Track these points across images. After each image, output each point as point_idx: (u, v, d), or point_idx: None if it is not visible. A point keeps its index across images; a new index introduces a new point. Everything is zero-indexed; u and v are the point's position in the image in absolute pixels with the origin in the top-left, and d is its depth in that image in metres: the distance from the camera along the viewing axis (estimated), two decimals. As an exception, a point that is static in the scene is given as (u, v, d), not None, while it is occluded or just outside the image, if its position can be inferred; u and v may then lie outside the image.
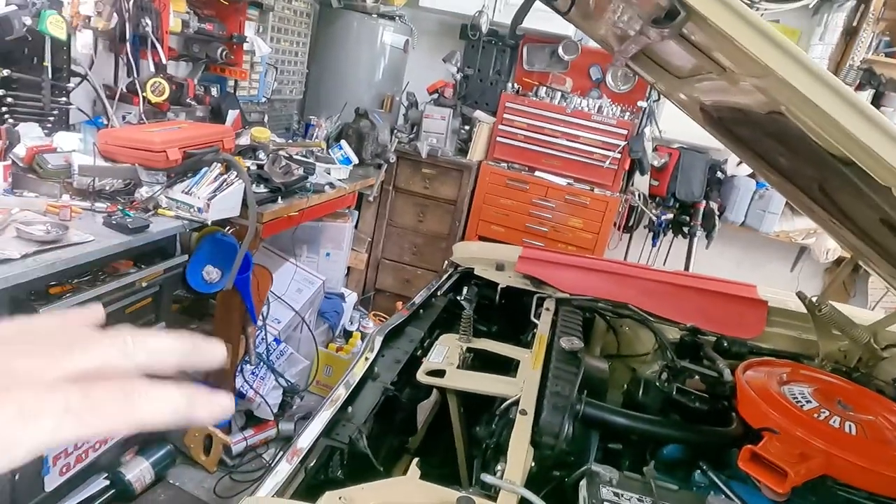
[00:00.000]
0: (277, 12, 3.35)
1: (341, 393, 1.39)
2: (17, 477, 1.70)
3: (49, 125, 2.22)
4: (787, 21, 3.72)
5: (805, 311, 1.89)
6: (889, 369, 1.78)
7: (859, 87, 3.59)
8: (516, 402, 1.32)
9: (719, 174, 3.90)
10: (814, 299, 1.90)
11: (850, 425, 1.27)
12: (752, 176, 3.89)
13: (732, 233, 4.07)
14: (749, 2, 3.31)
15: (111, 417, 0.33)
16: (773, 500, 1.15)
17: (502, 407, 1.36)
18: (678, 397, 1.46)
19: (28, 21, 1.95)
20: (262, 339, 2.80)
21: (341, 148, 3.33)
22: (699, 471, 1.29)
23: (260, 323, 2.73)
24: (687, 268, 3.86)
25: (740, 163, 3.78)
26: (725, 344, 1.89)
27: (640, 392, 1.55)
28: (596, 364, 1.61)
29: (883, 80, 3.61)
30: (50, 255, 1.59)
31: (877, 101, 3.64)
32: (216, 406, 0.37)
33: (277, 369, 2.89)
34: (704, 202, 3.83)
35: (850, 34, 3.53)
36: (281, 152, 2.75)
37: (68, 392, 0.32)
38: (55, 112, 2.24)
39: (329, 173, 3.05)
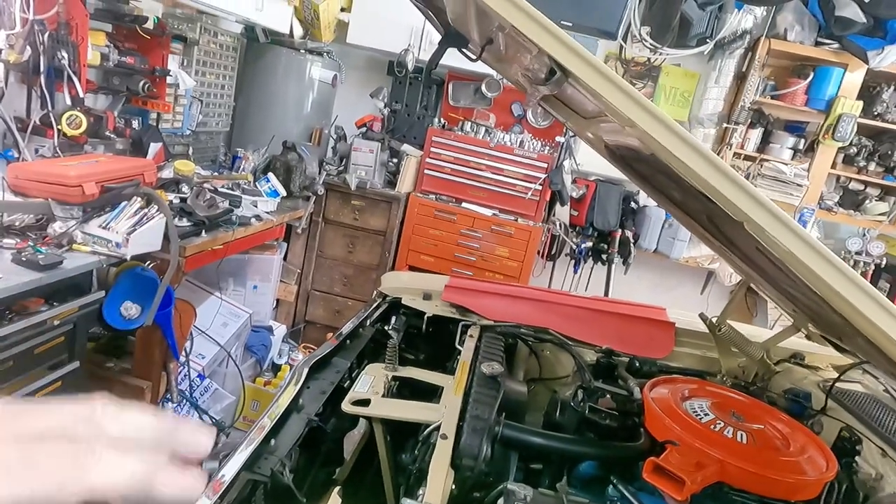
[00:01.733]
0: (202, 46, 3.35)
1: (265, 423, 1.39)
2: None
3: (-47, 158, 2.12)
4: (687, 65, 4.06)
5: (708, 331, 2.06)
6: (782, 382, 1.95)
7: (751, 126, 3.96)
8: (438, 428, 1.37)
9: (633, 204, 4.16)
10: (714, 320, 2.07)
11: (741, 434, 1.39)
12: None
13: (647, 259, 4.33)
14: (653, 47, 3.61)
15: (54, 478, 0.31)
16: (675, 507, 1.24)
17: (425, 433, 1.40)
18: (591, 416, 1.55)
19: (-68, 52, 1.88)
20: (185, 375, 2.72)
21: (269, 180, 3.33)
22: (611, 485, 1.38)
23: (183, 359, 2.66)
24: (606, 293, 4.06)
25: (651, 194, 4.04)
26: (637, 364, 2.01)
27: (558, 412, 1.63)
28: (515, 387, 1.69)
29: (771, 120, 3.99)
30: (-48, 295, 1.52)
31: (766, 139, 4.02)
32: (184, 483, 0.34)
33: (202, 406, 2.81)
34: (620, 231, 4.06)
35: (740, 78, 3.90)
36: (206, 185, 2.73)
37: (5, 448, 0.30)
38: (-40, 144, 2.14)
39: (256, 206, 3.04)
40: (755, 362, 1.97)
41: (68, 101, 2.44)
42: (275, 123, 3.89)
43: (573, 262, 4.17)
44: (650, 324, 2.26)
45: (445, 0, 1.34)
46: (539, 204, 3.77)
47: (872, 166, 4.01)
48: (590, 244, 4.07)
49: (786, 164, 3.94)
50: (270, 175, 3.38)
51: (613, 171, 3.47)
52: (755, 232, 0.88)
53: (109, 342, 2.59)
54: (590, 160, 3.87)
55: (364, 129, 3.97)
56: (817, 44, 3.74)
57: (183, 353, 2.65)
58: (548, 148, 3.77)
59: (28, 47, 2.21)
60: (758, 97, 3.88)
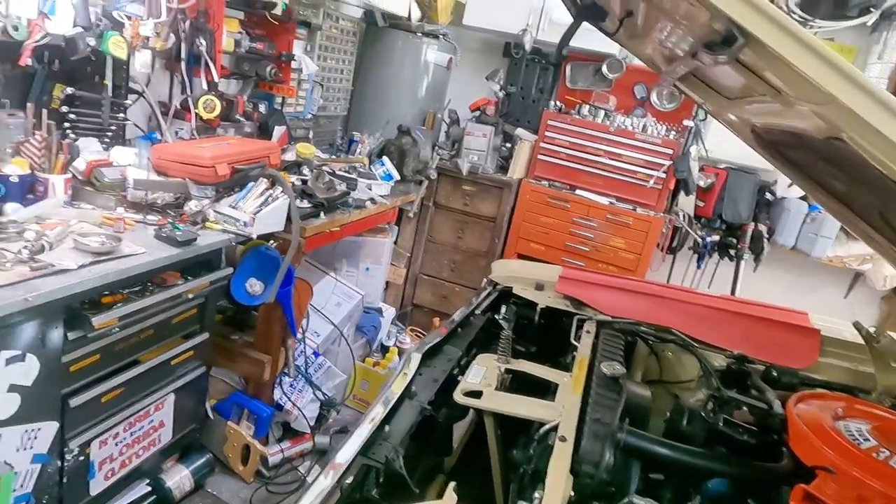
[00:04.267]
0: (325, 31, 3.43)
1: (379, 410, 1.39)
2: (65, 479, 1.76)
3: (107, 140, 2.31)
4: (842, 39, 3.60)
5: (861, 341, 1.81)
6: (957, 407, 1.68)
7: (921, 108, 3.44)
8: (555, 428, 1.30)
9: (768, 196, 3.79)
10: (872, 330, 1.81)
11: (912, 467, 1.20)
12: (803, 198, 3.76)
13: (782, 256, 3.93)
14: (802, 20, 3.23)
15: None
16: (828, 544, 1.09)
17: (541, 432, 1.33)
18: (725, 429, 1.41)
19: (92, 42, 2.05)
20: (301, 351, 2.83)
21: (383, 164, 3.37)
22: (748, 508, 1.24)
23: (299, 336, 2.77)
24: (733, 292, 3.75)
25: (791, 184, 3.66)
26: (775, 373, 1.82)
27: (685, 421, 1.50)
28: (638, 391, 1.57)
29: (947, 101, 3.45)
30: (104, 266, 1.65)
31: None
32: None
33: (315, 382, 2.92)
34: (753, 224, 3.71)
35: (910, 52, 3.40)
36: (324, 168, 2.80)
37: None
38: (113, 127, 2.33)
39: (370, 189, 3.09)
40: (923, 381, 1.70)
41: (204, 87, 2.59)
42: (390, 107, 3.94)
43: (696, 256, 3.87)
44: (790, 329, 2.04)
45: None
46: (661, 193, 3.53)
47: None
48: (716, 238, 3.76)
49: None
50: (385, 159, 3.42)
51: (748, 159, 3.18)
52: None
53: (234, 315, 2.75)
54: (721, 146, 3.57)
55: (478, 113, 3.91)
56: None
57: (300, 330, 2.75)
58: (673, 133, 3.51)
59: (171, 35, 2.36)
60: (931, 74, 3.36)
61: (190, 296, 2.02)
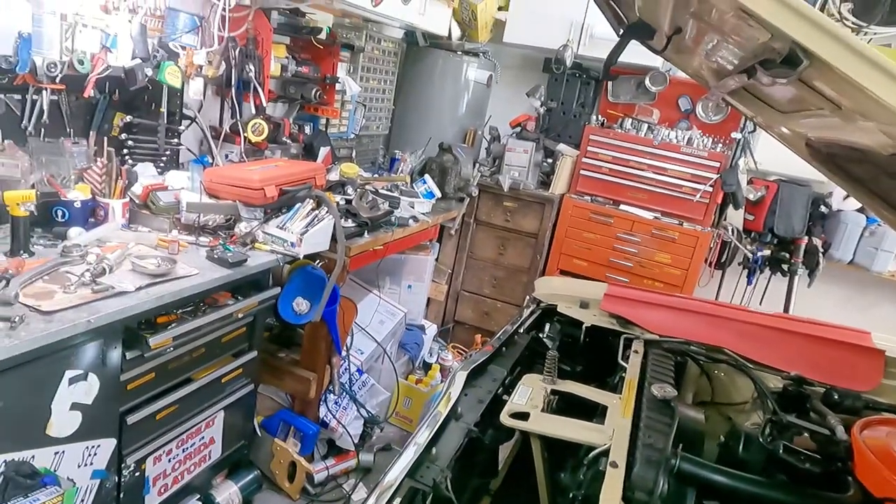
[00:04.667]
0: (367, 53, 3.50)
1: (425, 431, 1.38)
2: (122, 495, 1.81)
3: (162, 164, 2.41)
4: (899, 45, 3.46)
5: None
6: None
7: None
8: (606, 453, 1.27)
9: (823, 208, 3.64)
10: (942, 351, 1.72)
11: None
12: (861, 210, 3.60)
13: (838, 271, 3.77)
14: (856, 27, 3.11)
15: None
16: (904, 583, 1.02)
17: (590, 456, 1.31)
18: (785, 456, 1.34)
19: (149, 72, 2.15)
20: (346, 369, 2.86)
21: (425, 182, 3.40)
22: (811, 541, 1.18)
23: (344, 353, 2.80)
24: (786, 309, 3.60)
25: (847, 196, 3.51)
26: (836, 396, 1.73)
27: (741, 447, 1.45)
28: (691, 414, 1.52)
29: None
30: (160, 288, 1.71)
31: None
32: None
33: (359, 400, 2.94)
34: (806, 238, 3.58)
35: (975, 57, 3.23)
36: (368, 187, 2.84)
37: None
38: (168, 152, 2.43)
39: (413, 207, 3.12)
40: None
41: (253, 111, 2.67)
42: (431, 125, 3.97)
43: (746, 272, 3.75)
44: (851, 349, 1.94)
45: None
46: (708, 207, 3.44)
47: None
48: (767, 252, 3.63)
49: None
50: (427, 177, 3.45)
51: (800, 171, 3.07)
52: None
53: (281, 333, 2.80)
54: (771, 158, 3.46)
55: (518, 129, 3.91)
56: None
57: (345, 347, 2.79)
58: (720, 145, 3.42)
59: (223, 62, 2.45)
60: None
61: (240, 315, 2.08)
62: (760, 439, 1.40)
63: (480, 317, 4.08)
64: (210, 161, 2.64)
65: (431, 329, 3.74)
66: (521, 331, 2.09)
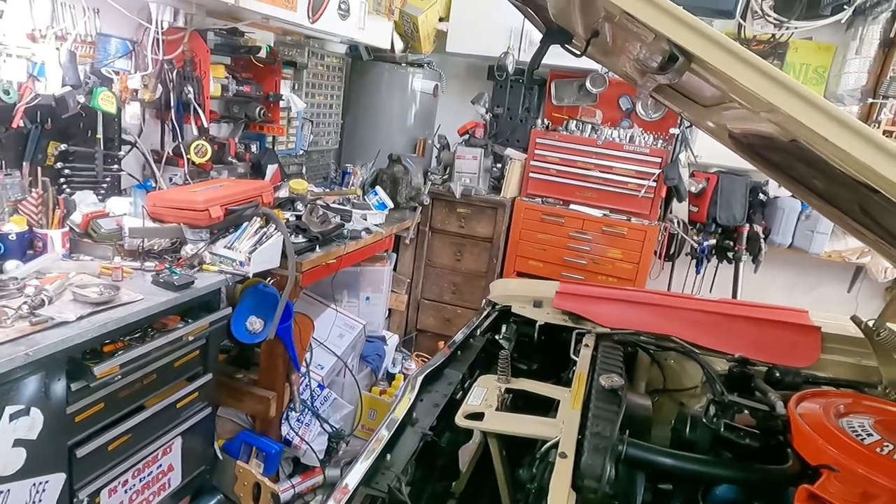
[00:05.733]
0: (311, 69, 3.50)
1: (383, 435, 1.39)
2: (74, 529, 1.76)
3: (102, 191, 2.36)
4: (820, 37, 3.65)
5: (862, 335, 1.80)
6: (961, 395, 1.67)
7: (903, 99, 3.48)
8: (556, 445, 1.30)
9: (761, 196, 3.80)
10: (870, 323, 1.81)
11: (916, 459, 1.19)
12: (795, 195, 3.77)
13: (781, 256, 3.93)
14: (777, 21, 3.28)
15: None
16: (835, 543, 1.08)
17: (542, 449, 1.34)
18: (727, 434, 1.40)
19: (82, 99, 2.11)
20: (307, 385, 2.84)
21: (377, 193, 3.41)
22: (755, 512, 1.23)
23: (303, 370, 2.77)
24: (734, 295, 3.74)
25: (782, 183, 3.67)
26: (778, 374, 1.82)
27: (688, 429, 1.50)
28: (638, 401, 1.57)
29: (928, 90, 3.48)
30: (103, 316, 1.67)
31: (923, 112, 3.51)
32: None
33: (322, 415, 2.91)
34: (748, 225, 3.72)
35: (888, 45, 3.44)
36: (318, 202, 2.84)
37: None
38: (108, 179, 2.38)
39: (365, 219, 3.12)
40: (927, 371, 1.69)
41: (195, 132, 2.64)
42: (380, 137, 3.99)
43: (695, 262, 3.88)
44: (790, 328, 2.03)
45: (545, -5, 1.28)
46: (654, 201, 3.55)
47: None
48: (713, 242, 3.77)
49: (949, 140, 3.41)
50: (378, 188, 3.46)
51: (738, 162, 3.19)
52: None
53: (239, 354, 2.76)
54: (710, 151, 3.60)
55: (467, 136, 3.96)
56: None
57: (304, 364, 2.76)
58: (661, 141, 3.54)
59: (159, 85, 2.42)
60: (909, 65, 3.40)
61: (191, 338, 2.04)
62: (704, 419, 1.46)
63: (442, 324, 4.09)
64: (154, 185, 2.59)
65: (393, 339, 3.74)
66: (478, 333, 2.11)
